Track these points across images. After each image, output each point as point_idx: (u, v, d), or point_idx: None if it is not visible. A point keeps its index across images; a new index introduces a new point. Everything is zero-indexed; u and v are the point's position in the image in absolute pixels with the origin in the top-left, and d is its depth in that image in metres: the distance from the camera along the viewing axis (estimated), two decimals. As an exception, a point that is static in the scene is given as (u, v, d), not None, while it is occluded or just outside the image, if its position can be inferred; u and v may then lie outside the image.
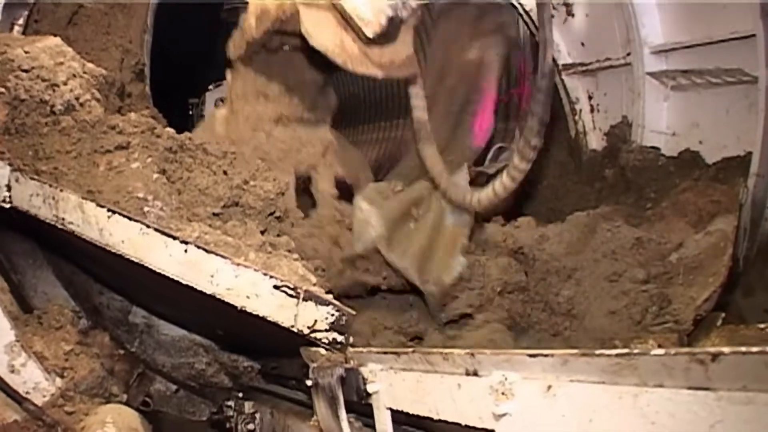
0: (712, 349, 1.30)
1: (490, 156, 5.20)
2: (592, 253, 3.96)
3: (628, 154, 5.08)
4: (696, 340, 3.45)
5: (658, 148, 4.98)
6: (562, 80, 5.80)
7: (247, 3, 8.67)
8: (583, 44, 5.64)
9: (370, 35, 3.53)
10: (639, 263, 3.83)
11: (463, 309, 3.99)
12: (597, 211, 4.36)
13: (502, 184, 3.64)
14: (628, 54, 5.17)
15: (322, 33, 3.62)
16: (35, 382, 3.53)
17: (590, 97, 5.69)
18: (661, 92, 5.08)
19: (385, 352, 2.51)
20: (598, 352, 1.54)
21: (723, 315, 3.52)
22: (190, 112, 9.52)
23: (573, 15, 5.63)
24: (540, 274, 3.91)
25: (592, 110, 5.67)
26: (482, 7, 5.30)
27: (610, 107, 5.49)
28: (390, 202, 4.27)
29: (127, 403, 3.78)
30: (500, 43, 5.21)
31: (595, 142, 5.59)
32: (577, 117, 5.73)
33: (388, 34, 3.58)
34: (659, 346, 3.35)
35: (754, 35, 4.17)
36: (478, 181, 4.83)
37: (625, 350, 1.49)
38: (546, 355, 1.70)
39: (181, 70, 9.97)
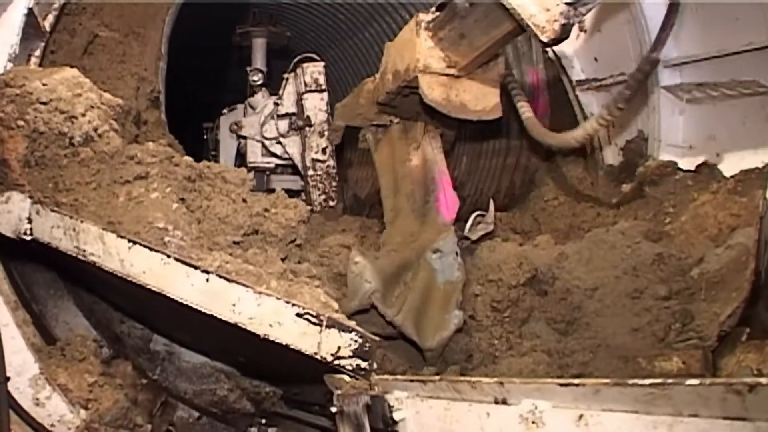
0: (748, 380, 1.29)
1: (469, 224, 5.23)
2: (613, 270, 3.94)
3: (645, 168, 5.05)
4: (721, 356, 3.42)
5: (675, 162, 4.95)
6: (576, 96, 5.78)
7: (258, 26, 8.74)
8: (596, 59, 5.63)
9: (545, 40, 3.88)
10: (660, 279, 3.80)
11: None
12: (616, 228, 4.33)
13: (592, 126, 4.42)
14: (642, 68, 5.15)
15: (433, 91, 4.66)
16: (60, 414, 3.53)
17: (605, 112, 5.67)
18: (676, 106, 5.06)
19: (411, 380, 2.50)
20: (631, 381, 1.53)
21: (747, 330, 3.49)
22: (205, 137, 9.53)
23: (585, 31, 5.63)
24: (560, 293, 3.88)
25: (607, 125, 5.64)
26: (406, 125, 5.52)
27: (625, 122, 5.46)
28: (381, 261, 4.31)
29: (151, 434, 3.78)
30: (434, 137, 5.32)
31: (611, 157, 5.55)
32: (591, 132, 5.71)
33: (561, 39, 3.95)
34: (683, 363, 3.33)
35: (768, 47, 4.17)
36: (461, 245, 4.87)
37: (659, 380, 1.47)
38: (577, 384, 1.69)
39: (195, 94, 10.00)
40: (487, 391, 2.04)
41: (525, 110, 5.06)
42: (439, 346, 3.98)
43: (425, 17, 4.81)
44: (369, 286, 4.00)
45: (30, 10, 4.07)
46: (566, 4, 3.79)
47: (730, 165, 4.58)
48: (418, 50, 4.72)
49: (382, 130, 5.72)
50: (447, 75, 4.75)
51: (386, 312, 4.01)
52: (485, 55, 4.68)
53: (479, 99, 4.83)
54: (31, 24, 4.15)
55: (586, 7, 3.92)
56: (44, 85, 3.66)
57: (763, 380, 1.26)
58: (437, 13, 4.81)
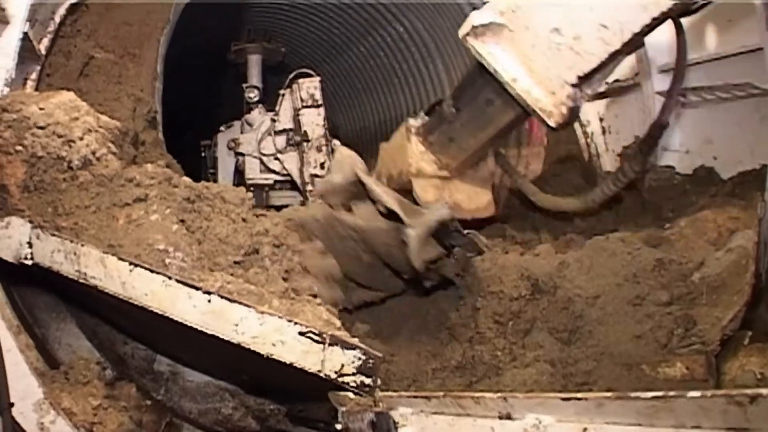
0: (749, 391, 1.30)
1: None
2: (614, 277, 3.93)
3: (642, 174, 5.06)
4: (724, 360, 3.41)
5: (672, 167, 4.96)
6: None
7: (253, 43, 8.78)
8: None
9: (553, 125, 3.96)
10: (661, 285, 3.80)
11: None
12: (616, 234, 4.34)
13: (609, 188, 4.62)
14: (637, 74, 5.17)
15: (427, 194, 4.84)
16: (65, 439, 3.54)
17: (601, 119, 5.69)
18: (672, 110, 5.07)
19: (415, 396, 2.50)
20: (633, 394, 1.53)
21: (750, 333, 3.49)
22: (203, 154, 9.56)
23: (578, 38, 5.65)
24: (562, 302, 3.88)
25: (603, 132, 5.66)
26: None
27: (621, 128, 5.48)
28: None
29: (157, 455, 3.78)
30: None
31: (609, 164, 5.58)
32: (588, 140, 5.73)
33: (569, 123, 4.05)
34: (687, 369, 3.33)
35: (761, 48, 4.17)
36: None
37: (661, 392, 1.48)
38: (580, 399, 1.69)
39: (192, 112, 10.04)
40: (491, 407, 2.05)
41: (528, 188, 5.29)
42: (425, 229, 3.63)
43: (414, 123, 5.02)
44: (357, 164, 3.93)
45: (25, 34, 4.09)
46: (572, 86, 3.78)
47: (728, 168, 4.60)
48: (409, 155, 4.93)
49: None
50: (439, 177, 4.95)
51: (372, 186, 3.83)
52: (474, 157, 4.88)
53: (472, 198, 5.09)
54: (26, 48, 4.17)
55: (591, 87, 3.93)
56: (41, 109, 3.67)
57: (763, 391, 1.26)
58: (426, 118, 5.01)
